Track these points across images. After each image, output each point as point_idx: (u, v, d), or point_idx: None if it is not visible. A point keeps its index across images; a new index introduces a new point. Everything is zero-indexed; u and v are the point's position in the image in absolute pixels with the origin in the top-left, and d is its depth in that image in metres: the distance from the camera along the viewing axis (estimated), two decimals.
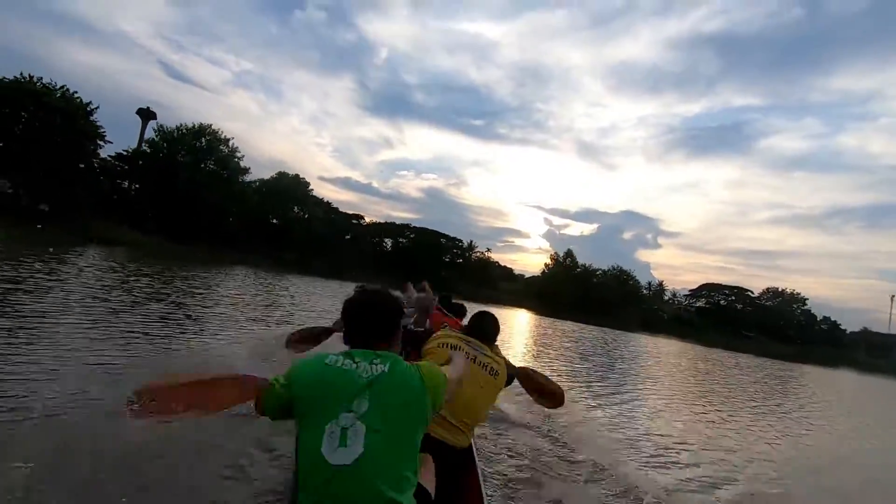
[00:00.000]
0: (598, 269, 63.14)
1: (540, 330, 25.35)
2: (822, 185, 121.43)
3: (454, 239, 66.46)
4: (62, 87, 27.74)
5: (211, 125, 37.38)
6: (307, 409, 1.35)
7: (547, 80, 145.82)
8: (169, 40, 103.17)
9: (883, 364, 58.77)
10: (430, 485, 1.78)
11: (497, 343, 2.76)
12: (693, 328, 59.33)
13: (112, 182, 33.58)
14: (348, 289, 1.71)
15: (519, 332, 21.29)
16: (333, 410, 1.31)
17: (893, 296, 75.55)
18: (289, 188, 47.30)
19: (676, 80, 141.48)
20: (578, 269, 62.51)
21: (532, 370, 2.98)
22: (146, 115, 42.91)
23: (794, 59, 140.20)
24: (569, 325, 35.47)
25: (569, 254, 64.03)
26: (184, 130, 36.25)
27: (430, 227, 66.00)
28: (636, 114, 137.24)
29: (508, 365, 2.67)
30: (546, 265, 65.70)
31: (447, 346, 2.44)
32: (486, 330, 2.62)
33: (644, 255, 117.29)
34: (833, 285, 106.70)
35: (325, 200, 56.69)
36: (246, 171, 39.79)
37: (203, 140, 36.50)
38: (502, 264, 73.96)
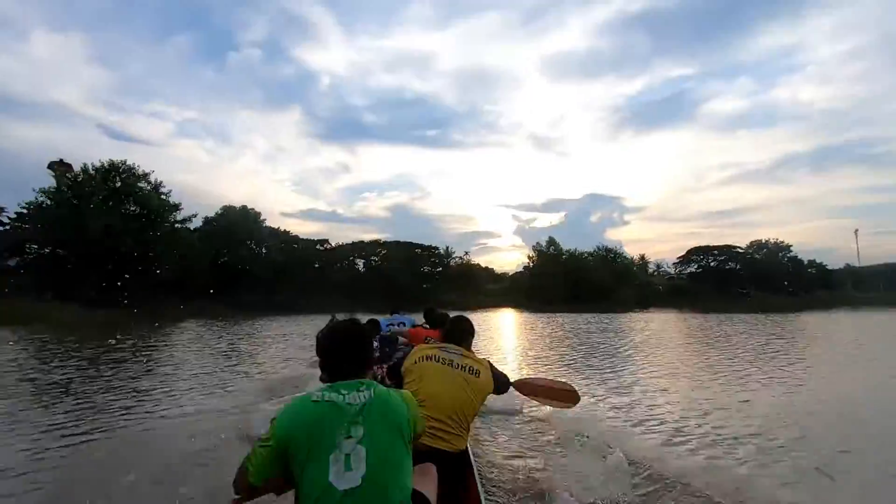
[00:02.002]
0: (584, 252, 60.54)
1: (532, 329, 21.97)
2: (765, 139, 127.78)
3: (429, 247, 63.08)
4: None
5: (125, 160, 32.65)
6: (305, 447, 1.37)
7: (491, 81, 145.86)
8: (105, 103, 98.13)
9: (873, 297, 59.27)
10: (431, 494, 1.83)
11: (486, 354, 4.85)
12: (689, 296, 57.22)
13: (16, 247, 28.79)
14: (319, 322, 1.61)
15: (508, 337, 18.09)
16: (333, 441, 1.37)
17: (857, 230, 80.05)
18: (237, 223, 42.98)
19: (613, 63, 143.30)
20: (565, 256, 59.68)
21: (531, 377, 3.17)
22: (60, 167, 38.22)
23: (717, 25, 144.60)
24: (562, 319, 32.23)
25: (551, 242, 61.16)
26: (91, 172, 31.29)
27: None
28: (581, 100, 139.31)
29: (500, 375, 2.67)
30: (529, 257, 62.73)
31: (423, 360, 2.50)
32: (458, 334, 2.67)
33: (613, 234, 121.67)
34: (794, 232, 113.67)
35: (283, 230, 52.78)
36: (176, 207, 34.98)
37: (117, 180, 31.71)
38: (483, 266, 70.79)
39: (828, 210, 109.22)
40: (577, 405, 3.10)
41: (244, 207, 44.93)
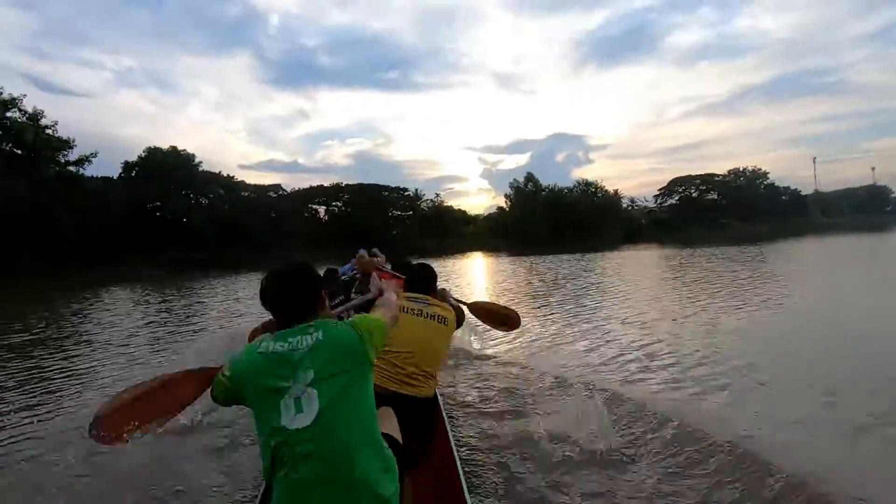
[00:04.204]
0: (564, 188, 56.50)
1: (521, 279, 17.90)
2: (724, 71, 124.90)
3: (398, 189, 57.46)
4: None
5: None
6: (255, 396, 1.39)
7: (450, 16, 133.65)
8: (29, 49, 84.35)
9: (840, 223, 59.23)
10: (395, 433, 1.84)
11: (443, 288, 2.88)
12: (672, 229, 54.91)
13: None
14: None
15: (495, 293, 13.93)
16: (281, 388, 1.35)
17: (815, 158, 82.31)
18: (167, 168, 35.85)
19: None
20: (545, 192, 55.48)
21: (483, 301, 3.33)
22: None
23: None
24: (547, 262, 28.35)
25: (529, 178, 56.64)
26: None
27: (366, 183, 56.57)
28: (544, 36, 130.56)
29: (456, 306, 2.79)
30: (507, 196, 58.27)
31: None
32: (422, 282, 2.70)
33: (579, 174, 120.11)
34: (751, 163, 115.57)
35: (226, 175, 45.80)
36: (66, 144, 27.49)
37: None
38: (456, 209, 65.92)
39: (783, 141, 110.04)
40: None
41: (174, 149, 37.56)
